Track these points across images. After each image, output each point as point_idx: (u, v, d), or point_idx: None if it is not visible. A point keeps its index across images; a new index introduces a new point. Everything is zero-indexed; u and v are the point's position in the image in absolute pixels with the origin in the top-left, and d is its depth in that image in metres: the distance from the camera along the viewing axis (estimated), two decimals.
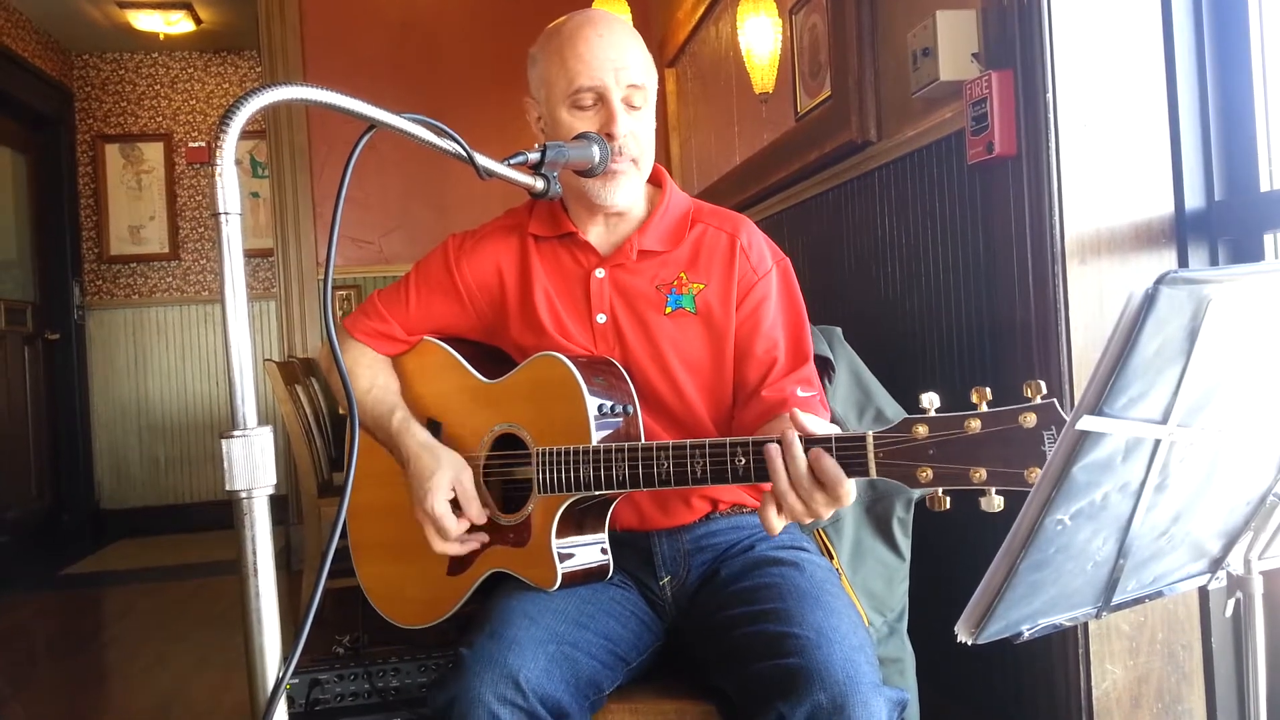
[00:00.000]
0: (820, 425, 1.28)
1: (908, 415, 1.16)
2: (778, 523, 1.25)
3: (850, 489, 1.21)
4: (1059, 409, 1.07)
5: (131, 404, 6.22)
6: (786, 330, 1.56)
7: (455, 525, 1.49)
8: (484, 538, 1.52)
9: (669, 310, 1.54)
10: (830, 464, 1.20)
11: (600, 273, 1.56)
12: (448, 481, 1.49)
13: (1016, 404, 1.09)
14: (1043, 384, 1.06)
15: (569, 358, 1.46)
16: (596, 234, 1.59)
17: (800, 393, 1.49)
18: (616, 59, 1.47)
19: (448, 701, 1.31)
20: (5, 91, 5.38)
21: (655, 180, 1.63)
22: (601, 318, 1.55)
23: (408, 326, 1.67)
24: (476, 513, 1.50)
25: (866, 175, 2.48)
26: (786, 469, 1.22)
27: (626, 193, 1.52)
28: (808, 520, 1.24)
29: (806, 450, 1.21)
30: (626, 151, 1.49)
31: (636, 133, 1.50)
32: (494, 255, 1.63)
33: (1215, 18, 1.74)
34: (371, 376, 1.64)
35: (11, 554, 5.12)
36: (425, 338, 1.67)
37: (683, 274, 1.55)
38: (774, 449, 1.23)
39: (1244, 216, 1.70)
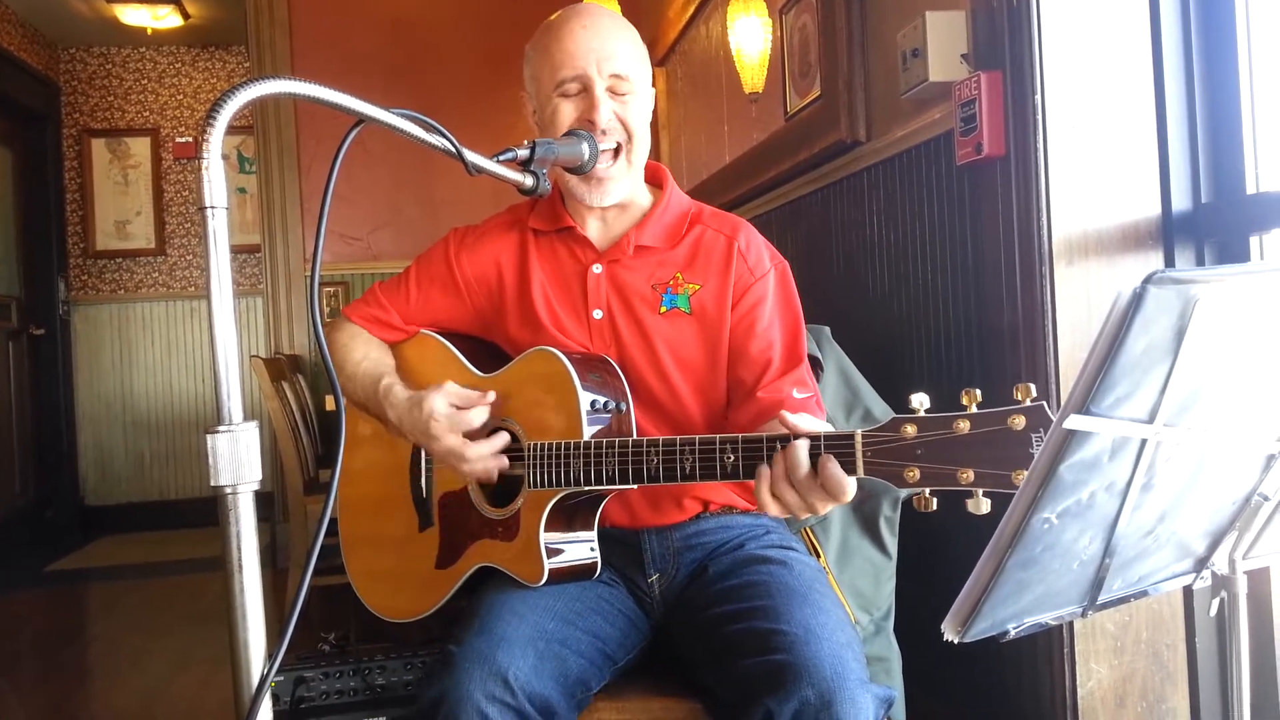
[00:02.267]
0: (812, 425, 1.28)
1: (896, 415, 1.16)
2: (773, 507, 1.24)
3: (843, 484, 1.19)
4: (1048, 412, 1.07)
5: (117, 400, 6.19)
6: (783, 332, 1.56)
7: (475, 449, 1.45)
8: (505, 439, 1.48)
9: (664, 309, 1.54)
10: (806, 464, 1.20)
11: (597, 268, 1.57)
12: (442, 406, 1.46)
13: (1006, 406, 1.09)
14: (1033, 387, 1.05)
15: (564, 353, 1.46)
16: (595, 229, 1.60)
17: (796, 394, 1.49)
18: (599, 48, 1.48)
19: (436, 698, 1.30)
20: None
21: (657, 181, 1.64)
22: (598, 313, 1.56)
23: (406, 316, 1.67)
24: (481, 411, 1.46)
25: (855, 175, 2.49)
26: (771, 466, 1.22)
27: (615, 193, 1.53)
28: (804, 515, 1.24)
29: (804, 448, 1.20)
30: (611, 134, 1.49)
31: (624, 119, 1.51)
32: (493, 250, 1.64)
33: (1203, 20, 1.74)
34: (365, 351, 1.64)
35: None
36: (422, 331, 1.67)
37: (679, 274, 1.56)
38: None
39: (1230, 219, 1.71)
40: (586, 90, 1.49)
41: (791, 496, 1.22)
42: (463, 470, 1.47)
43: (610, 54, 1.49)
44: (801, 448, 1.20)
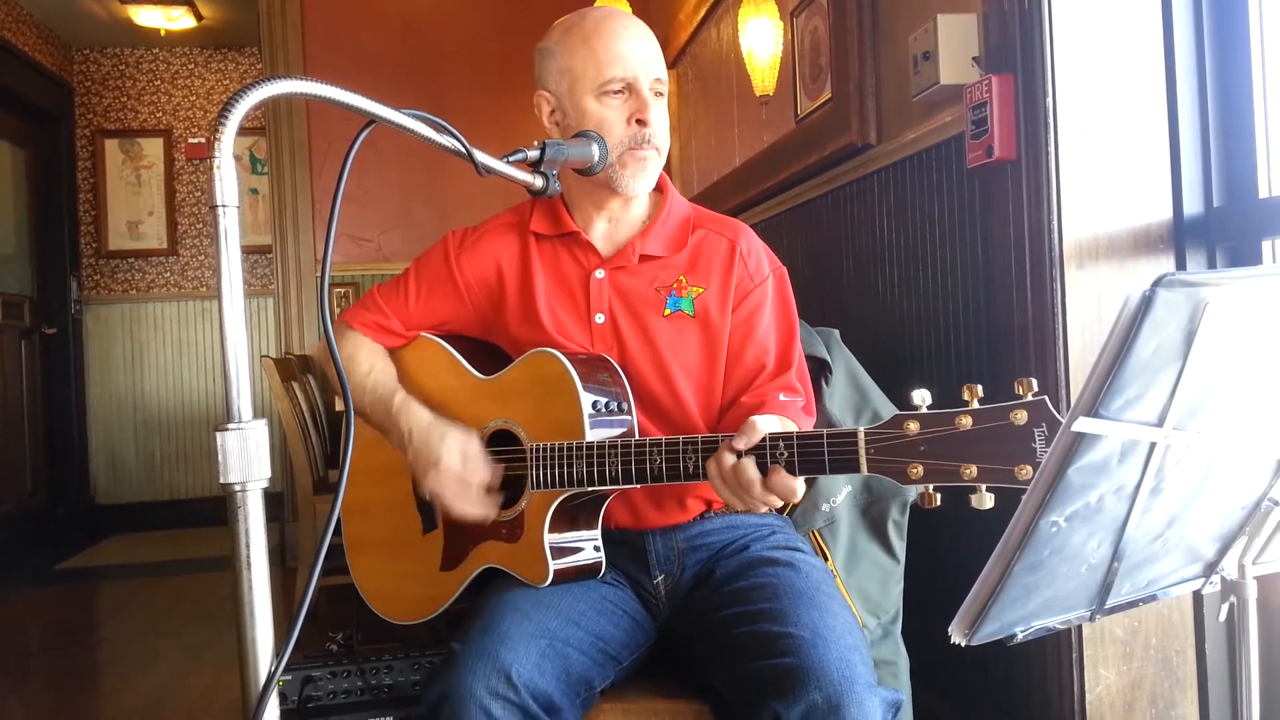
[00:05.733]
0: (773, 425, 1.30)
1: (899, 412, 1.16)
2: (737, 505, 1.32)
3: (785, 486, 1.25)
4: (1050, 406, 1.07)
5: (128, 399, 6.21)
6: (778, 338, 1.58)
7: (477, 476, 1.47)
8: (498, 500, 1.50)
9: (668, 312, 1.54)
10: (748, 469, 1.26)
11: (600, 273, 1.57)
12: (458, 445, 1.48)
13: (1008, 401, 1.09)
14: (1034, 381, 1.07)
15: (565, 354, 1.46)
16: (598, 234, 1.59)
17: (782, 397, 1.50)
18: (644, 53, 1.51)
19: (440, 696, 1.30)
20: (5, 85, 5.37)
21: (657, 185, 1.63)
22: (600, 318, 1.56)
23: (406, 321, 1.67)
24: (486, 477, 1.49)
25: (866, 178, 2.48)
26: (721, 477, 1.29)
27: (649, 179, 1.54)
28: (762, 509, 1.30)
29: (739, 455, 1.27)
30: (656, 139, 1.51)
31: (660, 124, 1.53)
32: (494, 252, 1.63)
33: (1216, 24, 1.74)
34: (371, 361, 1.64)
35: (6, 548, 5.11)
36: (422, 334, 1.67)
37: (682, 277, 1.56)
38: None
39: (1242, 223, 1.71)
40: (632, 91, 1.50)
41: (750, 501, 1.29)
42: (449, 495, 1.48)
43: (652, 58, 1.52)
44: (750, 465, 1.27)
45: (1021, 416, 1.07)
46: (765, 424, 1.28)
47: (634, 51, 1.50)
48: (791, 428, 1.42)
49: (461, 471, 1.47)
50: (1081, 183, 1.73)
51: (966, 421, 1.10)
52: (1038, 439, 1.07)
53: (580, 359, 1.48)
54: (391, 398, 1.58)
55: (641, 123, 1.49)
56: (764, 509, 1.30)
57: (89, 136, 6.24)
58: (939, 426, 1.12)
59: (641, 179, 1.53)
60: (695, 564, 1.55)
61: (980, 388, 1.09)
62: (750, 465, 1.26)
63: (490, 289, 1.63)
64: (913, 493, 1.85)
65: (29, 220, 5.82)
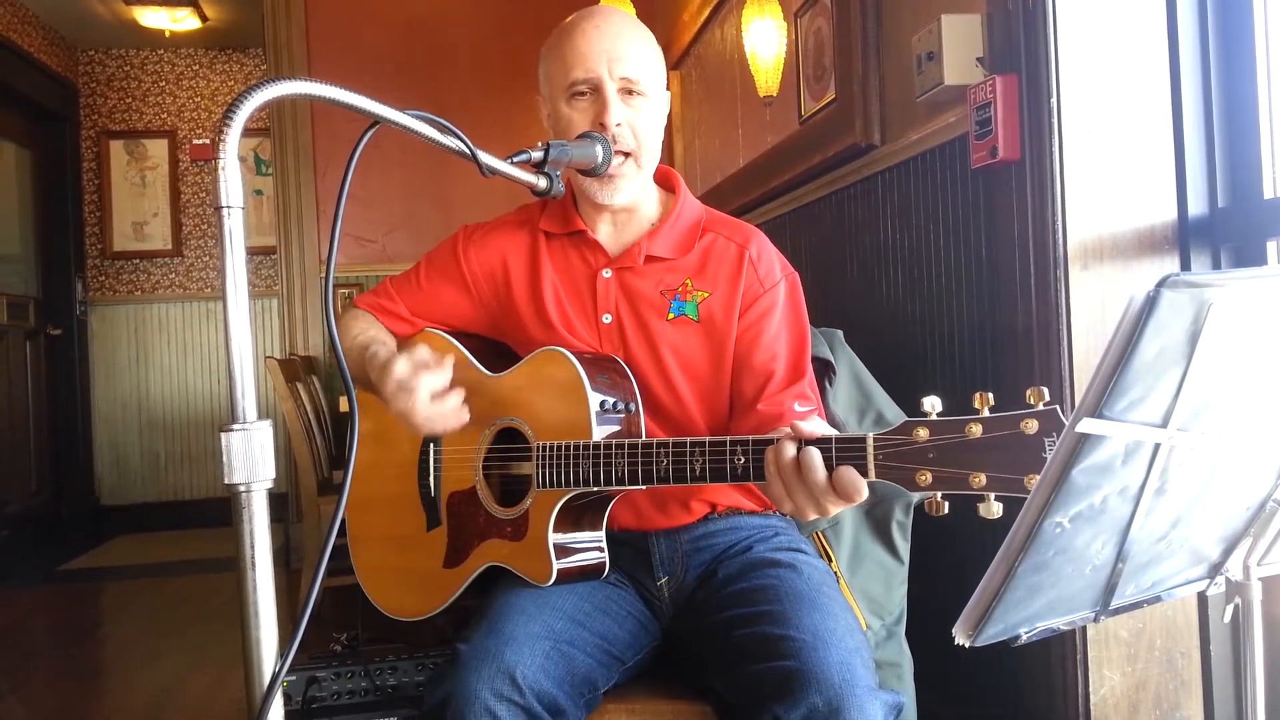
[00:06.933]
0: (823, 429, 1.27)
1: (909, 418, 1.16)
2: (786, 505, 1.22)
3: (858, 486, 1.16)
4: (1061, 416, 1.06)
5: (132, 400, 6.22)
6: (788, 344, 1.56)
7: (437, 375, 1.39)
8: (463, 392, 1.44)
9: (671, 316, 1.54)
10: (817, 462, 1.17)
11: (607, 273, 1.57)
12: (405, 359, 1.41)
13: (1018, 409, 1.08)
14: (1045, 390, 1.05)
15: (573, 353, 1.46)
16: (605, 234, 1.59)
17: (798, 407, 1.48)
18: (611, 50, 1.47)
19: (444, 696, 1.30)
20: (11, 86, 5.38)
21: (669, 185, 1.63)
22: (607, 318, 1.56)
23: (413, 308, 1.67)
24: (441, 366, 1.41)
25: (870, 179, 2.48)
26: (779, 471, 1.21)
27: (625, 191, 1.52)
28: (813, 515, 1.21)
29: (799, 449, 1.19)
30: (621, 142, 1.48)
31: (634, 125, 1.49)
32: (502, 248, 1.64)
33: (1220, 24, 1.74)
34: (363, 328, 1.63)
35: (11, 548, 5.12)
36: (429, 329, 1.67)
37: (688, 281, 1.55)
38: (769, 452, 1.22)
39: (1247, 223, 1.70)
40: (598, 92, 1.48)
41: (804, 499, 1.20)
42: (415, 412, 1.40)
43: (622, 56, 1.48)
44: (816, 455, 1.18)
45: (1032, 426, 1.06)
46: (813, 427, 1.24)
47: (598, 50, 1.47)
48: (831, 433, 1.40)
49: (411, 376, 1.39)
50: (1086, 183, 1.73)
51: (977, 429, 1.09)
52: (1048, 449, 1.05)
53: (588, 358, 1.48)
54: (365, 349, 1.53)
55: (601, 126, 1.46)
56: (812, 515, 1.20)
57: (94, 137, 6.26)
58: (949, 434, 1.11)
59: (613, 192, 1.50)
60: (698, 566, 1.55)
61: (991, 395, 1.08)
62: (817, 458, 1.17)
63: (496, 284, 1.64)
64: (917, 494, 1.85)
65: (34, 221, 5.83)
